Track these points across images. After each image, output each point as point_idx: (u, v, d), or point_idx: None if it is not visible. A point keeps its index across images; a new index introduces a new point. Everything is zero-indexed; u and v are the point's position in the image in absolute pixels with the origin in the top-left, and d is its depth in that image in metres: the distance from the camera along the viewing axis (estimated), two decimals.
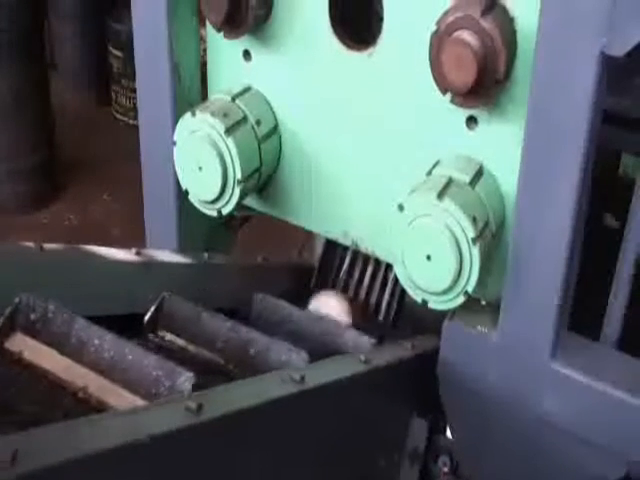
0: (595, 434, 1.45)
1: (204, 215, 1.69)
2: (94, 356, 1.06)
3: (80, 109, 5.37)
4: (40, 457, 0.70)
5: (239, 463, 1.00)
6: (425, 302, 1.46)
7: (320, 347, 1.50)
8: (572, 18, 1.22)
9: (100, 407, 1.00)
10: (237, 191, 1.60)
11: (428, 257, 1.39)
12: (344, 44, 1.56)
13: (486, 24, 1.28)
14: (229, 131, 1.57)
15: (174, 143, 1.63)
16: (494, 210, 1.43)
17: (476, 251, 1.36)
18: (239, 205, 1.65)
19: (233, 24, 1.55)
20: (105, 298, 1.31)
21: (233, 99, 1.63)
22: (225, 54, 1.70)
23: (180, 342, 1.34)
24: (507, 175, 1.43)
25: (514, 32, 1.33)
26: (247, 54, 1.67)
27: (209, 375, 1.22)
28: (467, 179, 1.41)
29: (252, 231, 2.17)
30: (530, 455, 1.55)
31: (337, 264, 1.94)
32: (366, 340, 1.51)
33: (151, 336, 1.35)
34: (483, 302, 1.55)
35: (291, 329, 1.55)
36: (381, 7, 1.49)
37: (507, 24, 1.32)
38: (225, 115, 1.58)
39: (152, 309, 1.35)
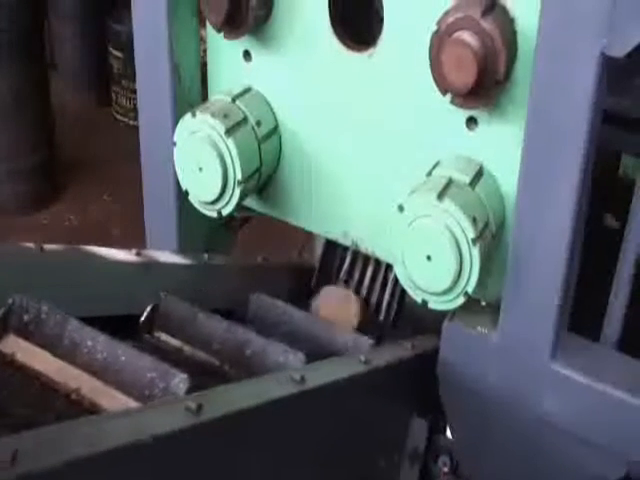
0: (595, 434, 1.45)
1: (204, 216, 1.69)
2: (87, 357, 1.06)
3: (80, 110, 5.37)
4: (40, 457, 0.70)
5: (239, 463, 1.00)
6: (425, 302, 1.46)
7: (318, 348, 1.49)
8: (572, 19, 1.22)
9: (93, 409, 1.00)
10: (237, 192, 1.60)
11: (428, 257, 1.40)
12: (344, 45, 1.56)
13: (486, 25, 1.28)
14: (229, 132, 1.57)
15: (174, 144, 1.63)
16: (494, 211, 1.43)
17: (476, 252, 1.36)
18: (239, 206, 1.65)
19: (233, 24, 1.55)
20: (105, 299, 1.31)
21: (233, 100, 1.63)
22: (225, 55, 1.70)
23: (176, 343, 1.33)
24: (507, 176, 1.43)
25: (514, 33, 1.33)
26: (247, 55, 1.67)
27: (204, 376, 1.21)
28: (467, 180, 1.41)
29: (252, 232, 2.17)
30: (530, 455, 1.55)
31: (337, 264, 1.94)
32: (364, 340, 1.51)
33: (147, 337, 1.34)
34: (483, 303, 1.55)
35: (288, 330, 1.55)
36: (381, 7, 1.49)
37: (507, 25, 1.32)
38: (225, 116, 1.58)
39: (148, 310, 1.35)
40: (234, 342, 1.32)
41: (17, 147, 4.47)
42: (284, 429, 1.10)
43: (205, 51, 1.73)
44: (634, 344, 1.58)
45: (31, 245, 1.21)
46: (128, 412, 0.90)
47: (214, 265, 1.65)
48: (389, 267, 1.84)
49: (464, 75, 1.30)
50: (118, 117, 5.38)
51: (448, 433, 1.66)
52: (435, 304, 1.45)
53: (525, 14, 1.31)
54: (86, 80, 5.49)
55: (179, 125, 1.62)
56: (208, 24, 1.60)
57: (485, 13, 1.28)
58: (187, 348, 1.32)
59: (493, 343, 1.49)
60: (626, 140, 2.24)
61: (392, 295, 1.89)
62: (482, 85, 1.31)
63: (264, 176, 1.69)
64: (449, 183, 1.39)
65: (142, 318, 1.34)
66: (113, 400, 1.00)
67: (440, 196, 1.36)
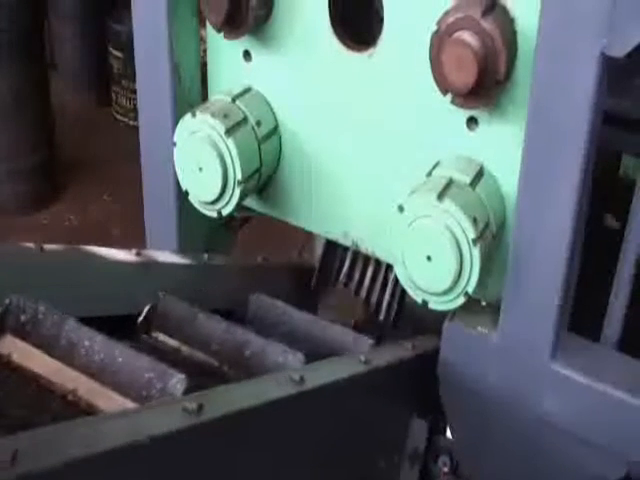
0: (595, 434, 1.45)
1: (204, 216, 1.69)
2: (84, 358, 1.05)
3: (80, 110, 5.37)
4: (40, 457, 0.70)
5: (239, 464, 1.00)
6: (425, 303, 1.46)
7: (317, 348, 1.49)
8: (572, 19, 1.22)
9: (89, 410, 0.99)
10: (237, 192, 1.60)
11: (428, 258, 1.39)
12: (344, 45, 1.56)
13: (486, 25, 1.28)
14: (229, 132, 1.57)
15: (174, 144, 1.63)
16: (494, 211, 1.43)
17: (476, 252, 1.36)
18: (239, 206, 1.65)
19: (233, 24, 1.55)
20: (105, 299, 1.31)
21: (233, 100, 1.63)
22: (225, 55, 1.70)
23: (174, 343, 1.33)
24: (507, 176, 1.43)
25: (514, 33, 1.33)
26: (247, 55, 1.67)
27: (203, 377, 1.21)
28: (467, 180, 1.41)
29: (252, 232, 2.17)
30: (530, 455, 1.55)
31: (337, 265, 1.94)
32: (364, 341, 1.51)
33: (145, 337, 1.33)
34: (483, 303, 1.55)
35: (288, 330, 1.54)
36: (381, 7, 1.49)
37: (507, 25, 1.32)
38: (225, 116, 1.58)
39: (145, 310, 1.34)
40: (233, 342, 1.31)
41: (17, 147, 4.47)
42: (284, 429, 1.10)
43: (205, 51, 1.73)
44: (634, 344, 1.58)
45: (31, 245, 1.21)
46: (130, 413, 0.89)
47: (214, 265, 1.65)
48: (389, 267, 1.84)
49: (464, 75, 1.30)
50: (118, 117, 5.38)
51: (448, 433, 1.65)
52: (435, 304, 1.45)
53: (525, 14, 1.31)
54: (86, 80, 5.49)
55: (179, 125, 1.62)
56: (208, 24, 1.60)
57: (485, 13, 1.28)
58: (185, 348, 1.32)
59: (493, 343, 1.49)
60: (626, 140, 2.24)
61: (392, 295, 1.89)
62: (482, 85, 1.31)
63: (264, 176, 1.69)
64: (449, 183, 1.39)
65: (140, 318, 1.33)
66: (110, 401, 1.00)
67: (440, 196, 1.36)
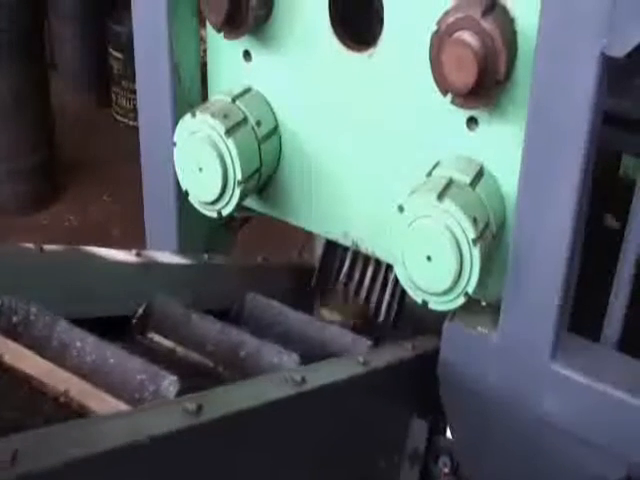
0: (595, 435, 1.45)
1: (204, 216, 1.69)
2: (76, 360, 1.04)
3: (80, 110, 5.38)
4: (40, 457, 0.70)
5: (239, 464, 1.00)
6: (425, 303, 1.46)
7: (314, 349, 1.49)
8: (572, 19, 1.22)
9: (82, 412, 0.97)
10: (237, 192, 1.60)
11: (428, 258, 1.39)
12: (344, 45, 1.56)
13: (487, 25, 1.28)
14: (229, 132, 1.57)
15: (174, 144, 1.63)
16: (494, 211, 1.43)
17: (476, 252, 1.36)
18: (239, 206, 1.64)
19: (233, 24, 1.55)
20: (105, 299, 1.31)
21: (233, 100, 1.63)
22: (225, 55, 1.70)
23: (169, 344, 1.31)
24: (508, 176, 1.43)
25: (514, 33, 1.33)
26: (247, 55, 1.67)
27: (198, 378, 1.20)
28: (467, 180, 1.41)
29: (252, 232, 2.17)
30: (530, 455, 1.55)
31: (337, 265, 1.94)
32: (363, 342, 1.50)
33: (139, 338, 1.32)
34: (483, 303, 1.55)
35: (284, 330, 1.54)
36: (381, 7, 1.49)
37: (507, 25, 1.32)
38: (225, 116, 1.58)
39: (140, 310, 1.33)
40: (228, 343, 1.31)
41: (17, 147, 4.47)
42: (284, 430, 1.10)
43: (205, 51, 1.73)
44: (634, 344, 1.58)
45: (31, 245, 1.21)
46: (129, 413, 0.89)
47: (214, 265, 1.65)
48: (389, 267, 1.84)
49: (464, 75, 1.30)
50: (118, 118, 5.39)
51: (448, 434, 1.65)
52: (435, 304, 1.45)
53: (525, 14, 1.31)
54: (86, 81, 5.50)
55: (179, 125, 1.62)
56: (208, 24, 1.60)
57: (485, 13, 1.28)
58: (180, 349, 1.30)
59: (493, 343, 1.49)
60: (626, 140, 2.24)
61: (392, 295, 1.89)
62: (482, 85, 1.31)
63: (264, 176, 1.69)
64: (449, 183, 1.39)
65: (134, 319, 1.32)
66: (102, 403, 0.98)
67: (440, 196, 1.36)
